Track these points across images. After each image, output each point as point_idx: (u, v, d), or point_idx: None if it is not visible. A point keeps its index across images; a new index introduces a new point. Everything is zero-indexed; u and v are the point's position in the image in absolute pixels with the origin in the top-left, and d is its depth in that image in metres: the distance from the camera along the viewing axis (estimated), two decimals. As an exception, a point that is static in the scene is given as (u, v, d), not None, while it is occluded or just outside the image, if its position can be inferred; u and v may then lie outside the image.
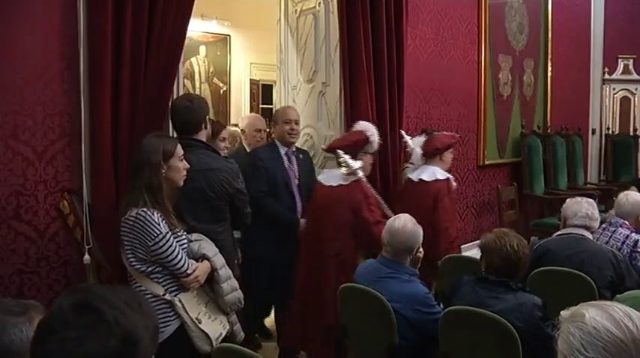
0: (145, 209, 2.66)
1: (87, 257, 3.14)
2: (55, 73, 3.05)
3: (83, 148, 3.12)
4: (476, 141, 6.04)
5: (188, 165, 2.89)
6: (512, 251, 2.90)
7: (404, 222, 3.20)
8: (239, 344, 2.84)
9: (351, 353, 3.51)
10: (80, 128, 3.11)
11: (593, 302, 1.64)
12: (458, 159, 5.66)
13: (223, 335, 2.89)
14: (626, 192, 4.29)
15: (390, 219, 3.28)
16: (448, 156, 4.41)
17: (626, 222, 4.08)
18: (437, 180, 4.22)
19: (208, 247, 2.95)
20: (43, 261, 3.06)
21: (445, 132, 4.72)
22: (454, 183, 4.31)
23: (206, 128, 3.37)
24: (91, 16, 3.09)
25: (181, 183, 2.87)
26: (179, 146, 2.87)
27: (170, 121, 3.33)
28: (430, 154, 4.33)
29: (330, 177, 3.79)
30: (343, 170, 3.68)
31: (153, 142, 2.77)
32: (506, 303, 2.85)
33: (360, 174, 3.68)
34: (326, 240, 3.68)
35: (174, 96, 3.45)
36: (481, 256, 3.07)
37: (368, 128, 3.87)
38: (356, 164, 3.66)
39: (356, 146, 3.78)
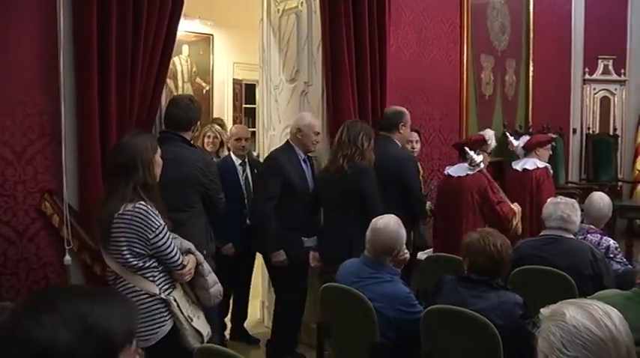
0: (142, 203, 2.68)
1: (67, 258, 3.12)
2: (35, 73, 3.03)
3: (64, 148, 3.10)
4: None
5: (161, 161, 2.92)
6: (495, 250, 2.93)
7: (386, 222, 3.21)
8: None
9: (334, 353, 3.52)
10: (60, 128, 3.09)
11: (573, 300, 1.65)
12: (440, 158, 5.69)
13: (209, 332, 2.92)
14: (598, 194, 4.32)
15: (375, 219, 3.30)
16: (542, 151, 5.55)
17: (592, 227, 4.11)
18: (537, 168, 5.42)
19: (186, 242, 2.98)
20: (22, 262, 3.04)
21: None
22: (551, 171, 5.49)
23: (193, 131, 3.46)
24: (75, 16, 3.09)
25: (157, 180, 2.90)
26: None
27: (164, 114, 3.46)
28: (529, 148, 5.59)
29: (458, 169, 4.63)
30: (472, 162, 4.52)
31: (140, 140, 2.80)
32: (488, 302, 2.88)
33: (482, 165, 4.53)
34: (459, 221, 4.44)
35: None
36: (464, 255, 3.09)
37: (487, 132, 4.79)
38: (479, 158, 4.52)
39: (475, 144, 4.64)
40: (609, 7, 8.45)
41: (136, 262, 2.70)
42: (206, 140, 5.08)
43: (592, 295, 2.75)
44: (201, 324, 2.87)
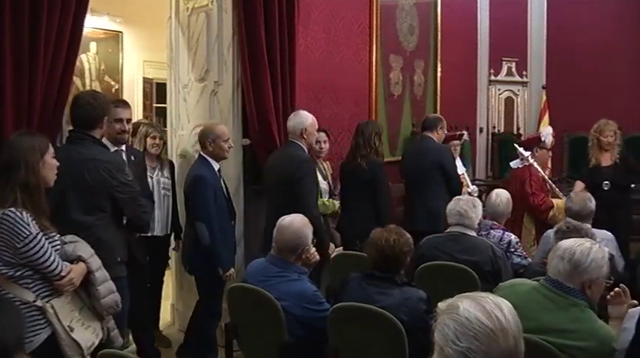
0: (12, 209, 2.54)
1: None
2: None
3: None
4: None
5: (57, 163, 2.81)
6: (386, 245, 3.00)
7: (291, 220, 3.23)
8: (118, 349, 2.78)
9: (243, 353, 3.51)
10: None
11: (467, 293, 1.71)
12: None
13: (96, 343, 2.77)
14: (496, 191, 4.51)
15: (281, 217, 3.32)
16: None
17: (496, 223, 4.29)
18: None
19: (84, 248, 2.86)
20: None
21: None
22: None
23: (102, 128, 3.34)
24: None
25: (52, 183, 2.79)
26: (50, 144, 2.81)
27: (69, 114, 3.31)
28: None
29: (515, 163, 5.69)
30: (521, 157, 5.55)
31: (27, 140, 2.68)
32: (393, 298, 2.95)
33: (531, 160, 5.47)
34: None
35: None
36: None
37: (543, 130, 5.89)
38: (526, 153, 5.46)
39: (530, 142, 5.65)
40: (511, 10, 8.75)
41: (6, 270, 2.57)
42: (150, 141, 4.64)
43: (506, 281, 2.97)
44: (84, 335, 2.71)
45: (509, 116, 8.86)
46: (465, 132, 6.74)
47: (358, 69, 6.02)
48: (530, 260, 4.21)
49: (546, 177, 5.39)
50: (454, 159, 5.54)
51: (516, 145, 5.65)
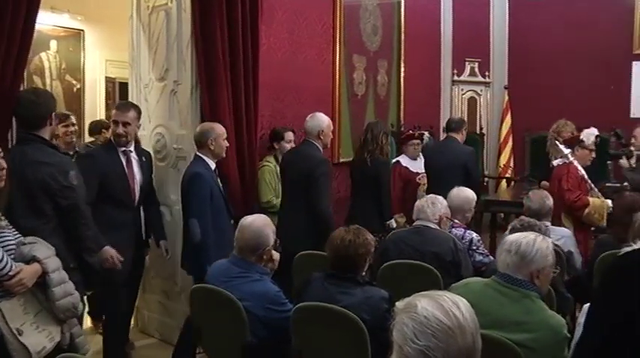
0: None
1: None
2: None
3: None
4: (331, 139, 6.13)
5: (5, 165, 2.76)
6: (341, 245, 3.00)
7: (252, 220, 3.22)
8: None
9: (207, 354, 3.49)
10: None
11: (425, 292, 1.73)
12: (314, 156, 5.74)
13: (48, 348, 2.69)
14: (457, 188, 4.57)
15: (243, 217, 3.31)
16: (407, 147, 6.32)
17: (457, 221, 4.35)
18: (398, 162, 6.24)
19: (41, 249, 2.79)
20: None
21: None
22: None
23: (51, 124, 3.26)
24: None
25: (2, 184, 2.74)
26: None
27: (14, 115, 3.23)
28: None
29: (558, 161, 5.52)
30: (562, 155, 5.44)
31: None
32: (355, 298, 2.95)
33: (571, 158, 5.34)
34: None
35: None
36: None
37: (585, 131, 5.51)
38: (566, 151, 5.39)
39: (571, 141, 5.53)
40: (474, 12, 8.85)
41: None
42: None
43: (460, 281, 2.99)
44: (36, 339, 2.64)
45: (472, 116, 8.94)
46: (426, 132, 6.79)
47: (321, 69, 6.03)
48: (492, 258, 4.26)
49: (586, 176, 5.33)
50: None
51: (557, 142, 5.69)
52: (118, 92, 8.51)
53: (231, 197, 4.41)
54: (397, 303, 1.71)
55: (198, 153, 4.18)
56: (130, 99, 5.16)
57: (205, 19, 4.36)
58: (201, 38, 4.37)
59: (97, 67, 8.29)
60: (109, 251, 3.81)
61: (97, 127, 5.97)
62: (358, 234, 3.06)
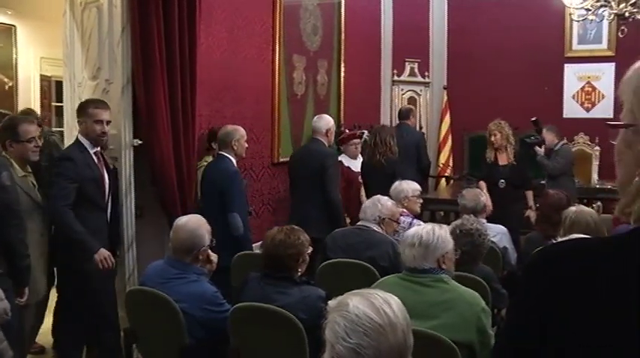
0: None
1: None
2: None
3: None
4: (270, 139, 6.13)
5: None
6: (271, 244, 3.02)
7: (186, 220, 3.19)
8: None
9: (143, 357, 3.44)
10: None
11: (357, 290, 1.74)
12: (252, 157, 5.73)
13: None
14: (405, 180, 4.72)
15: (179, 217, 3.28)
16: (347, 147, 6.44)
17: (405, 211, 4.44)
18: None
19: None
20: None
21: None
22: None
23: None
24: None
25: None
26: None
27: None
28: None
29: None
30: None
31: None
32: (291, 297, 2.96)
33: None
34: None
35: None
36: None
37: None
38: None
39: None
40: (414, 13, 8.98)
41: None
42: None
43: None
44: None
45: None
46: (366, 131, 6.85)
47: (261, 68, 6.01)
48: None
49: None
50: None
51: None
52: (54, 91, 8.27)
53: (166, 198, 4.38)
54: (329, 302, 1.73)
55: (222, 152, 4.57)
56: (65, 98, 5.04)
57: (141, 17, 4.27)
58: (137, 35, 4.28)
59: (31, 65, 8.04)
60: (104, 253, 3.74)
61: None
62: (290, 234, 3.04)
